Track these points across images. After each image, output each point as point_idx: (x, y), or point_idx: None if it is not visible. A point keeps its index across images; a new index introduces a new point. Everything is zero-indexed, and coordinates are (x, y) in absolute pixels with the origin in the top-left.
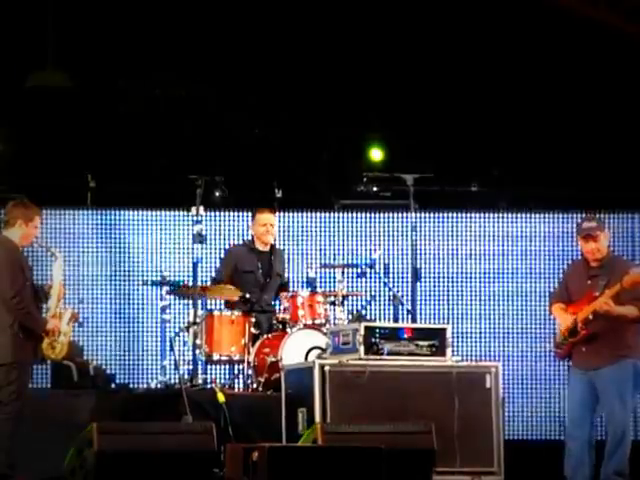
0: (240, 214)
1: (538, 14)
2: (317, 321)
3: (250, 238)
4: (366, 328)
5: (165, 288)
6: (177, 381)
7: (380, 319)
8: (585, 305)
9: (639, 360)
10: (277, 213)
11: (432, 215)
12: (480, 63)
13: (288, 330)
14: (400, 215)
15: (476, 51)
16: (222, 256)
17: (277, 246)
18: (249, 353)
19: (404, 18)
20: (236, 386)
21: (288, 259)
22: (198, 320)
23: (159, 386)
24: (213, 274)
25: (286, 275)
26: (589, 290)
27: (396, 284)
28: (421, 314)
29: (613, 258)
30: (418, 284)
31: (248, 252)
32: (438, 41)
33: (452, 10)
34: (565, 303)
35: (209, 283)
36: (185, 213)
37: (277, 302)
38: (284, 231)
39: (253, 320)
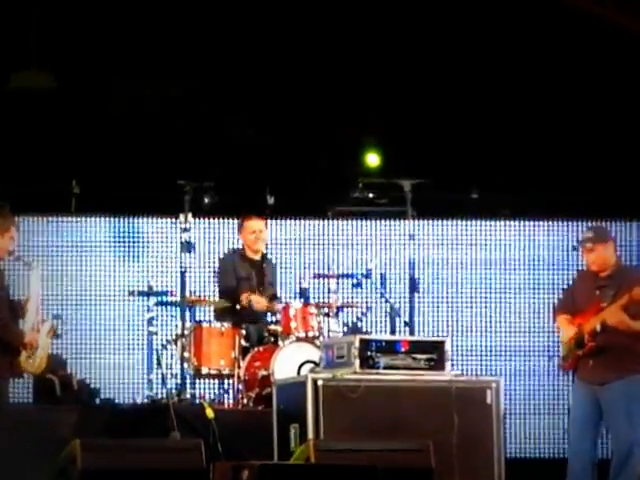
0: (230, 221)
1: (541, 18)
2: (310, 333)
3: (241, 247)
4: (361, 341)
5: (152, 299)
6: (164, 396)
7: (376, 331)
8: (592, 316)
9: None
10: (269, 220)
11: (430, 223)
12: (480, 66)
13: (280, 343)
14: (397, 223)
15: (476, 54)
16: (219, 265)
17: (269, 256)
18: (239, 367)
19: (402, 20)
20: (226, 401)
21: (280, 268)
22: (186, 332)
23: (145, 401)
24: (202, 285)
25: (277, 287)
26: (597, 300)
27: (393, 295)
28: (419, 326)
29: (623, 268)
30: (416, 295)
31: (241, 259)
32: (436, 43)
33: (452, 12)
34: (571, 314)
35: (217, 297)
36: (173, 220)
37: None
38: (276, 239)
39: (243, 332)
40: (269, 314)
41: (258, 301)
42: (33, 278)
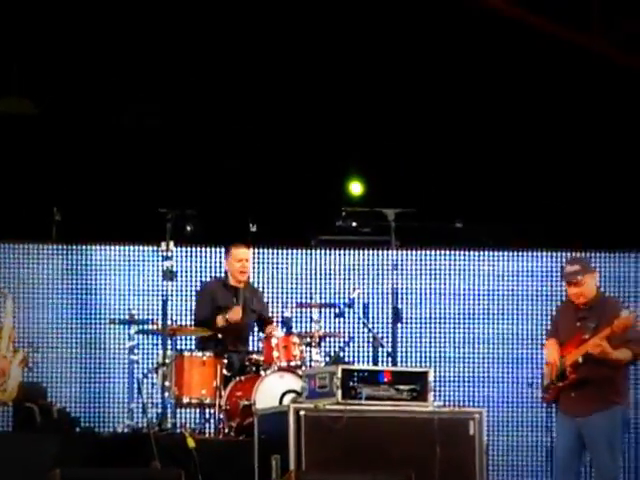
0: (212, 250)
1: (525, 49)
2: (292, 363)
3: (224, 275)
4: (344, 371)
5: (133, 327)
6: (145, 425)
7: (359, 362)
8: (574, 348)
9: (627, 407)
10: (251, 249)
11: (414, 252)
12: (463, 97)
13: (262, 372)
14: (380, 252)
15: (459, 85)
16: (197, 294)
17: (253, 283)
18: (221, 396)
19: (384, 49)
20: (207, 431)
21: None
22: (167, 361)
23: (126, 430)
24: (184, 313)
25: (269, 311)
26: (578, 332)
27: (376, 325)
28: (402, 357)
29: (603, 299)
30: (399, 325)
31: (223, 288)
32: (419, 73)
33: (434, 42)
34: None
35: (193, 325)
36: (154, 248)
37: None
38: (258, 268)
39: (225, 362)
40: (251, 343)
41: (234, 312)
42: (8, 308)
